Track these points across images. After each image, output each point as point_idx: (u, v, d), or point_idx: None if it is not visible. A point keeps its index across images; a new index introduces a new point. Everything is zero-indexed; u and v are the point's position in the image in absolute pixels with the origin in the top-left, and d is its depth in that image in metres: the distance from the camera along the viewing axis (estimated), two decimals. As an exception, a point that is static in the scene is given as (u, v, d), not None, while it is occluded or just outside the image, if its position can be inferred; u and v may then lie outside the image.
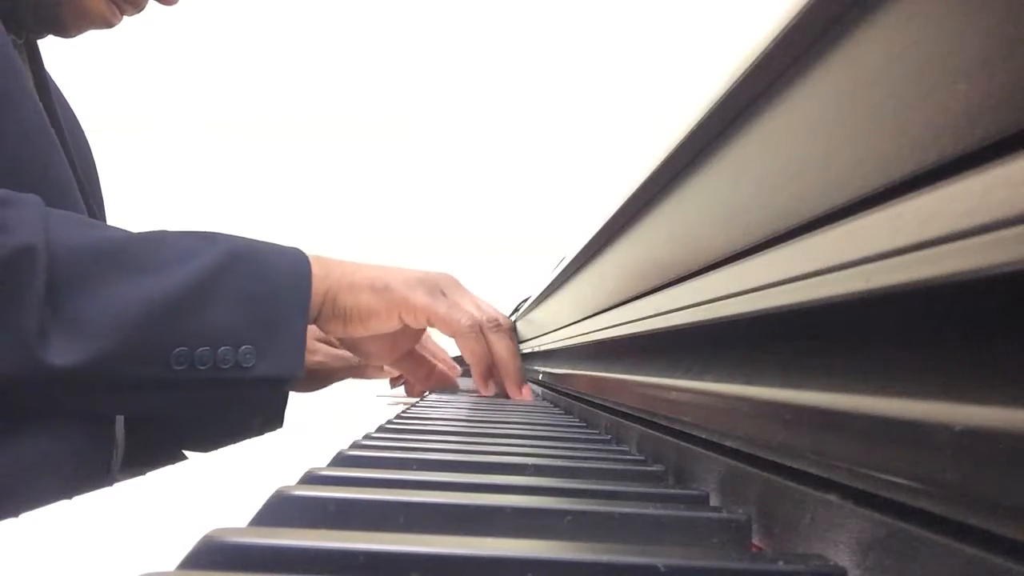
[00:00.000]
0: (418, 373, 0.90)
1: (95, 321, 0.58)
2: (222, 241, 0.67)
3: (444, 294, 0.78)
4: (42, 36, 0.78)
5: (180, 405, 0.68)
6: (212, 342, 0.63)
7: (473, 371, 0.82)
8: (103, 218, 0.87)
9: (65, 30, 0.77)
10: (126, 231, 0.65)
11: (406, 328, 0.78)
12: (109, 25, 0.79)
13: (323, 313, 0.74)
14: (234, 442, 0.49)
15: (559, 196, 1.80)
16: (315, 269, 0.72)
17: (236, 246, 0.67)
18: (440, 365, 0.91)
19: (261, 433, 0.60)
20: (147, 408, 0.67)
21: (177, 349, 0.61)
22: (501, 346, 0.81)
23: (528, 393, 0.84)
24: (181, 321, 0.62)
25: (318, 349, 0.97)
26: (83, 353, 0.56)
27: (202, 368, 0.62)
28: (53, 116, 0.74)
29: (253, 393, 0.66)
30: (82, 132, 0.86)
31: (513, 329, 0.88)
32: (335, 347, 0.97)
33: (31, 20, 0.74)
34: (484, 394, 0.82)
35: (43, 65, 0.78)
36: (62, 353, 0.56)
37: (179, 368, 0.61)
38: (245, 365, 0.64)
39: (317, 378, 0.98)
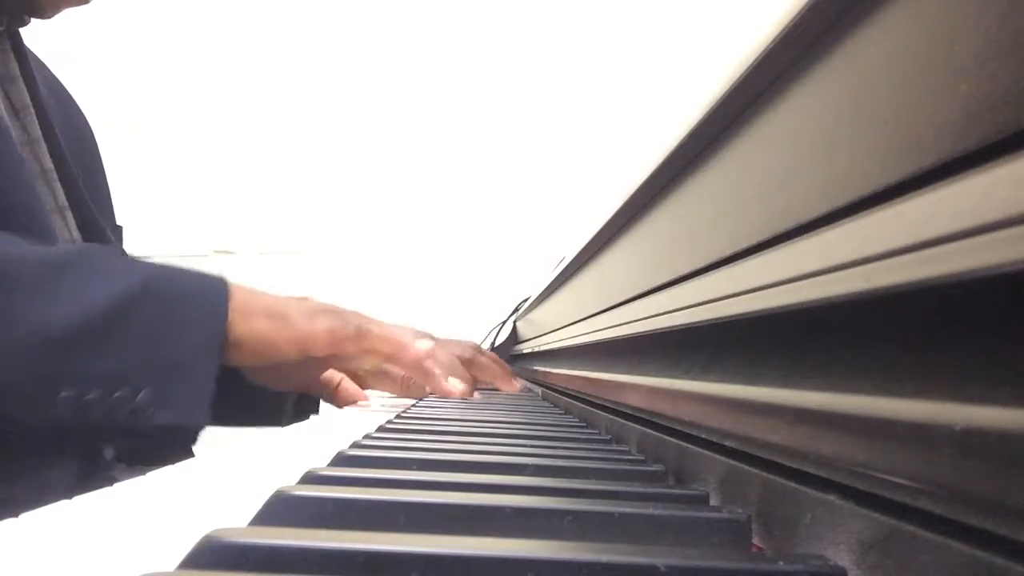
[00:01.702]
0: (392, 388, 0.86)
1: None
2: (137, 272, 0.61)
3: (352, 319, 0.71)
4: (23, 22, 0.75)
5: (98, 439, 0.63)
6: (105, 385, 0.56)
7: (428, 383, 0.76)
8: (108, 210, 0.84)
9: (42, 10, 0.74)
10: (29, 248, 0.59)
11: (309, 359, 0.70)
12: (84, 1, 0.75)
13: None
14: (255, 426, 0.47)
15: (559, 196, 1.80)
16: (231, 300, 0.65)
17: (145, 277, 0.60)
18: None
19: (293, 421, 0.57)
20: (64, 441, 0.61)
21: (63, 392, 0.55)
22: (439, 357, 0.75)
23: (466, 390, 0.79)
24: (69, 362, 0.55)
25: None
26: None
27: (94, 414, 0.56)
28: (39, 109, 0.72)
29: (160, 434, 0.60)
30: (85, 122, 0.84)
31: (513, 328, 0.87)
32: None
33: (7, 2, 0.71)
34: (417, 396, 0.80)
35: (26, 51, 0.75)
36: None
37: (67, 412, 0.55)
38: (143, 412, 0.57)
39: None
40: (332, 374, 0.82)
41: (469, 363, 0.80)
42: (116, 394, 0.57)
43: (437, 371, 0.74)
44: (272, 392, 0.77)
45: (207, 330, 0.62)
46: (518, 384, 0.85)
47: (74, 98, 0.85)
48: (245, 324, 0.65)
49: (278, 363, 0.69)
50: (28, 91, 0.72)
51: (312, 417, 0.81)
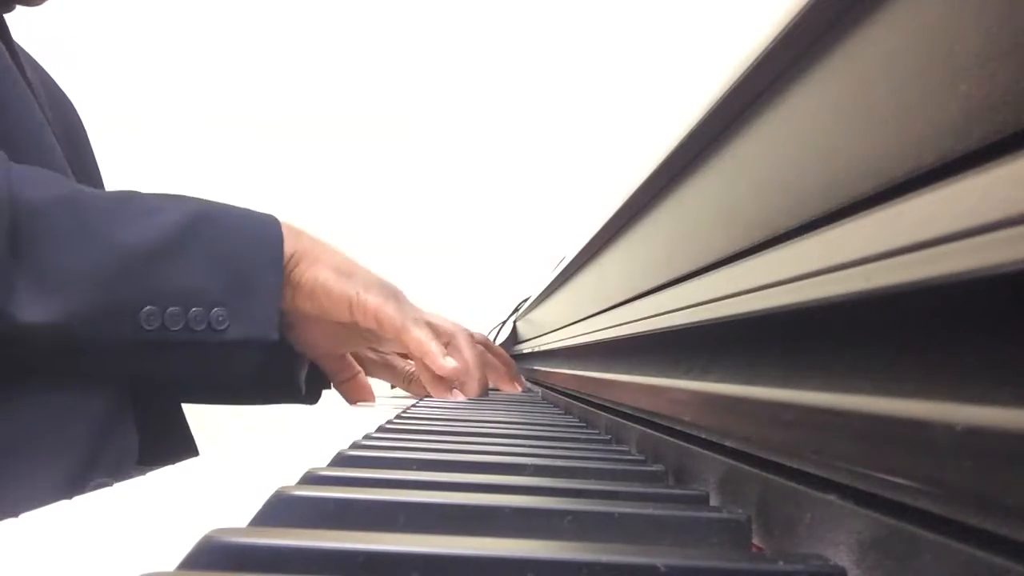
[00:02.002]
0: (394, 380, 0.87)
1: (63, 278, 0.55)
2: (191, 202, 0.65)
3: (400, 300, 0.75)
4: (7, 7, 0.75)
5: (157, 367, 0.66)
6: (183, 302, 0.60)
7: (419, 368, 0.77)
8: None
9: None
10: (94, 189, 0.63)
11: (353, 326, 0.74)
12: None
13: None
14: (266, 403, 0.48)
15: (559, 196, 1.80)
16: (285, 232, 0.69)
17: (205, 207, 0.65)
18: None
19: (295, 401, 0.58)
20: (125, 369, 0.64)
21: (147, 308, 0.59)
22: (471, 352, 0.78)
23: (470, 389, 0.80)
24: (151, 279, 0.59)
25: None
26: (51, 310, 0.54)
27: (174, 329, 0.60)
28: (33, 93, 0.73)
29: (227, 356, 0.64)
30: (77, 118, 0.84)
31: (513, 328, 0.87)
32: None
33: None
34: (438, 395, 0.78)
35: (12, 42, 0.75)
36: (30, 309, 0.54)
37: (150, 329, 0.59)
38: (217, 328, 0.61)
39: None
40: (352, 363, 0.84)
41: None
42: (193, 309, 0.60)
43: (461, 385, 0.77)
44: (285, 362, 0.78)
45: (267, 250, 0.66)
46: (520, 386, 0.84)
47: (66, 94, 0.84)
48: (311, 270, 0.69)
49: (324, 319, 0.72)
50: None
51: (312, 417, 0.81)
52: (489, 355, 0.88)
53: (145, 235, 0.59)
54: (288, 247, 0.69)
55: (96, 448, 0.60)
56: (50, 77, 0.82)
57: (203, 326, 0.61)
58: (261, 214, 0.69)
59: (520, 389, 0.84)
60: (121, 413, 0.64)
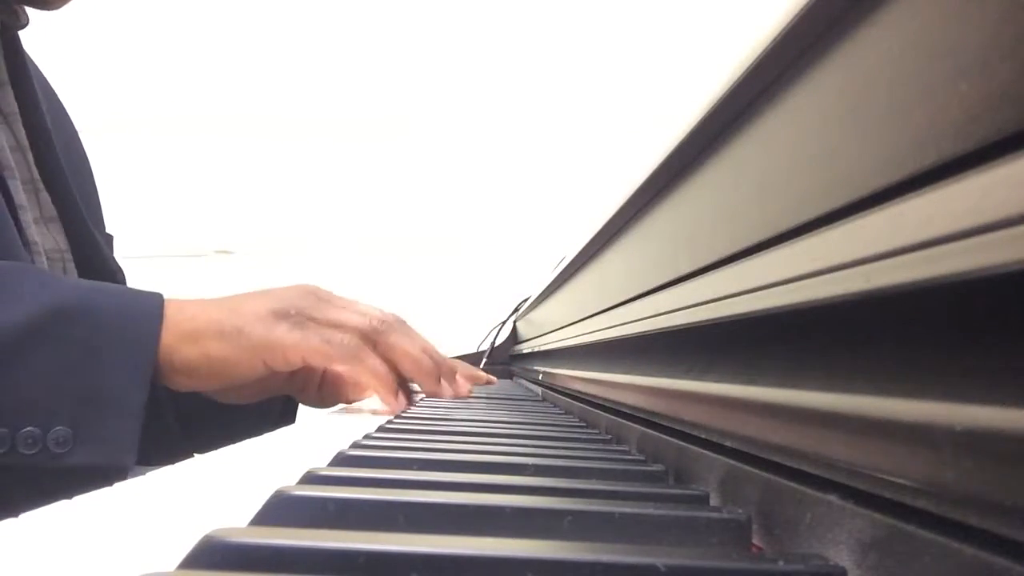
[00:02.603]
0: (308, 390, 0.75)
1: None
2: (59, 293, 0.54)
3: (311, 316, 0.62)
4: (19, 23, 0.70)
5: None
6: (12, 420, 0.50)
7: (378, 391, 0.65)
8: (98, 218, 0.82)
9: (46, 1, 0.69)
10: None
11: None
12: None
13: (160, 367, 0.58)
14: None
15: (559, 196, 1.80)
16: (165, 319, 0.57)
17: (67, 298, 0.54)
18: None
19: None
20: None
21: None
22: (402, 344, 0.64)
23: (462, 386, 0.70)
24: None
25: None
26: None
27: None
28: (36, 111, 0.70)
29: (75, 480, 0.53)
30: (73, 129, 0.82)
31: (513, 328, 0.84)
32: None
33: None
34: (396, 410, 0.64)
35: (24, 56, 0.72)
36: None
37: None
38: (56, 450, 0.51)
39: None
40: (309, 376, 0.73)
41: (386, 333, 0.65)
42: (24, 429, 0.51)
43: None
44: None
45: (135, 356, 0.55)
46: (464, 386, 0.71)
47: (63, 104, 0.82)
48: (195, 348, 0.58)
49: (243, 382, 0.62)
50: (22, 95, 0.70)
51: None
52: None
53: None
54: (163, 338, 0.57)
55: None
56: (49, 86, 0.81)
57: (35, 449, 0.50)
58: (143, 303, 0.57)
59: (465, 392, 0.70)
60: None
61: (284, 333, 0.60)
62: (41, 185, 0.70)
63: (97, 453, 0.52)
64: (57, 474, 0.52)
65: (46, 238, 0.70)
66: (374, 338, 0.63)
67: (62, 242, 0.71)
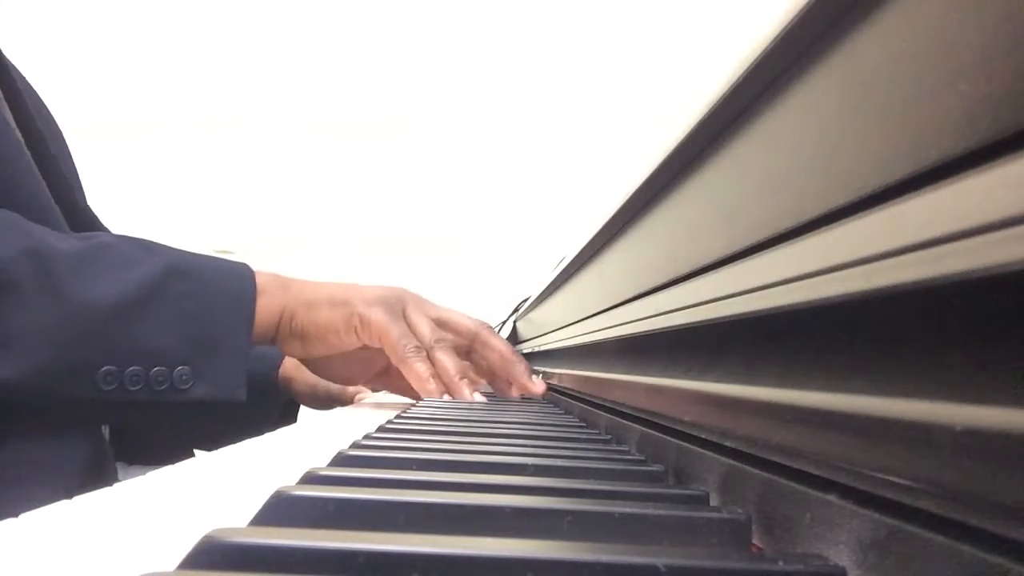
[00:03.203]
0: (398, 388, 0.83)
1: (20, 336, 0.54)
2: (164, 256, 0.63)
3: (405, 313, 0.72)
4: None
5: (124, 420, 0.65)
6: (144, 361, 0.59)
7: (420, 392, 0.73)
8: (82, 197, 0.82)
9: None
10: (62, 236, 0.61)
11: (371, 348, 0.72)
12: None
13: (280, 332, 0.70)
14: (245, 439, 0.48)
15: (559, 196, 1.80)
16: (270, 286, 0.68)
17: (175, 260, 0.63)
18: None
19: (273, 429, 0.58)
20: (89, 422, 0.63)
21: (105, 368, 0.57)
22: (445, 363, 0.72)
23: (478, 396, 0.75)
24: (111, 338, 0.58)
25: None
26: (11, 369, 0.54)
27: (133, 389, 0.58)
28: (22, 109, 0.72)
29: (194, 413, 0.62)
30: (48, 111, 0.83)
31: (513, 328, 0.84)
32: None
33: None
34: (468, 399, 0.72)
35: (2, 58, 0.75)
36: None
37: (108, 388, 0.57)
38: (181, 387, 0.60)
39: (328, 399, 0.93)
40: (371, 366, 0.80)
41: (438, 350, 0.74)
42: (155, 368, 0.59)
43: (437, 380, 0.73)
44: (259, 404, 0.78)
45: (239, 306, 0.65)
46: (537, 385, 0.77)
47: (48, 109, 0.83)
48: (308, 315, 0.69)
49: (344, 352, 0.72)
50: (6, 90, 0.71)
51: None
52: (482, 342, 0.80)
53: (110, 292, 0.58)
54: (276, 303, 0.69)
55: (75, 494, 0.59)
56: (27, 82, 0.81)
57: (165, 386, 0.59)
58: (234, 268, 0.68)
59: (468, 397, 0.74)
60: (100, 459, 0.63)
61: (378, 314, 0.70)
62: (34, 165, 0.70)
63: (213, 388, 0.61)
64: (186, 409, 0.61)
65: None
66: (427, 351, 0.72)
67: (58, 214, 0.72)
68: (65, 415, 0.59)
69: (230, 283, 0.66)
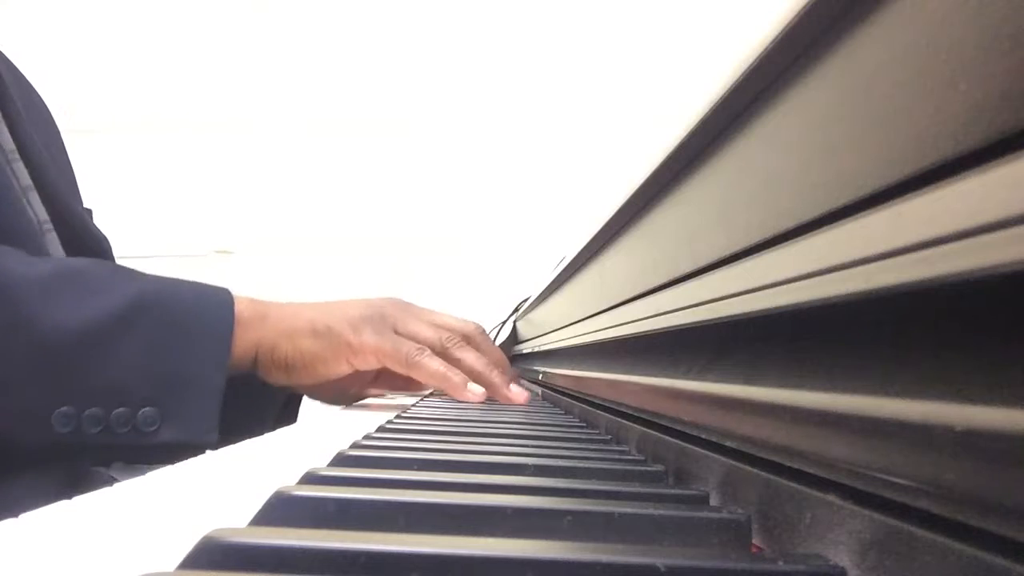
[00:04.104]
0: (396, 385, 0.83)
1: None
2: (139, 282, 0.59)
3: (394, 325, 0.69)
4: None
5: (89, 461, 0.59)
6: (105, 401, 0.54)
7: (447, 391, 0.72)
8: (75, 192, 0.80)
9: None
10: (27, 261, 0.57)
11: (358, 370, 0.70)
12: None
13: (260, 362, 0.66)
14: (244, 439, 0.47)
15: (559, 196, 1.80)
16: (247, 315, 0.64)
17: (148, 288, 0.58)
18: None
19: (273, 430, 0.55)
20: (51, 464, 0.57)
21: (61, 409, 0.52)
22: (468, 359, 0.71)
23: (521, 394, 0.75)
24: (68, 374, 0.53)
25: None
26: None
27: (92, 432, 0.53)
28: (2, 99, 0.69)
29: (159, 456, 0.56)
30: (43, 104, 0.80)
31: (513, 328, 0.84)
32: None
33: None
34: (473, 400, 0.72)
35: None
36: None
37: (63, 431, 0.53)
38: (145, 429, 0.55)
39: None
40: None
41: (455, 348, 0.72)
42: (118, 410, 0.54)
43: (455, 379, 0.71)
44: (255, 404, 0.75)
45: (214, 342, 0.60)
46: (521, 394, 0.75)
47: (42, 100, 0.81)
48: (291, 345, 0.65)
49: (332, 377, 0.69)
50: None
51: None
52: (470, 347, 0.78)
53: (71, 326, 0.53)
54: (253, 334, 0.64)
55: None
56: (26, 81, 0.80)
57: (127, 428, 0.54)
58: (215, 295, 0.63)
59: (522, 399, 0.74)
60: (76, 473, 0.61)
61: (367, 337, 0.67)
62: (16, 156, 0.68)
63: (182, 431, 0.56)
64: (147, 452, 0.56)
65: (25, 209, 0.69)
66: (441, 351, 0.70)
67: (42, 213, 0.70)
68: (20, 458, 0.54)
69: (206, 315, 0.61)
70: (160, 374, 0.56)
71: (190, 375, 0.58)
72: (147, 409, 0.55)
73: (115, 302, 0.56)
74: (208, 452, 0.43)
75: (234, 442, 0.43)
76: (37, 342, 0.53)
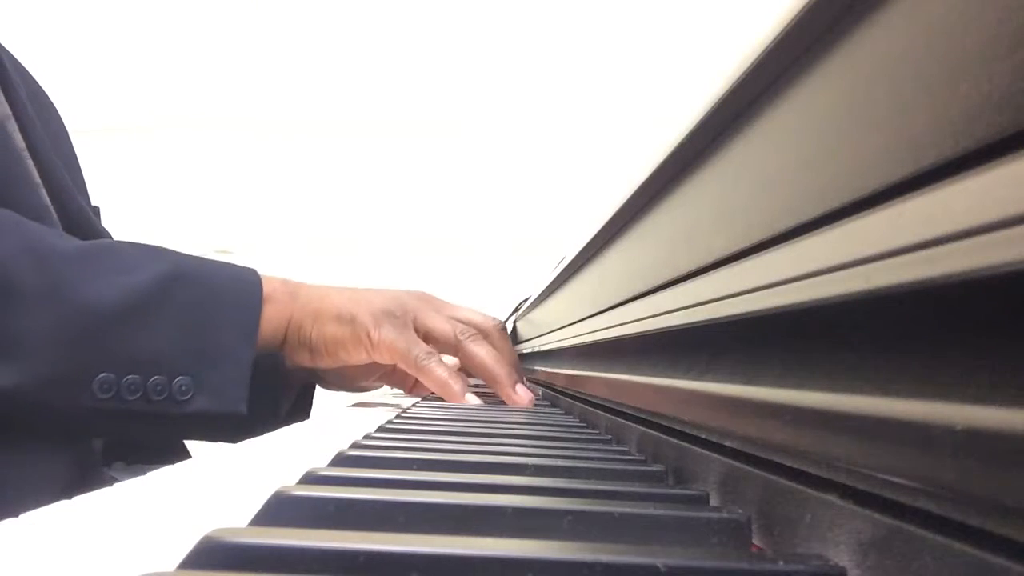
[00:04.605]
0: (405, 385, 0.85)
1: (18, 341, 0.53)
2: (168, 259, 0.61)
3: (414, 319, 0.71)
4: None
5: (119, 431, 0.62)
6: (143, 370, 0.56)
7: (445, 397, 0.73)
8: (83, 189, 0.81)
9: None
10: (63, 236, 0.60)
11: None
12: None
13: (288, 341, 0.68)
14: (258, 435, 0.48)
15: (559, 196, 1.80)
16: (278, 293, 0.67)
17: (180, 265, 0.61)
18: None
19: (286, 423, 0.57)
20: (83, 432, 0.60)
21: (102, 375, 0.55)
22: (480, 353, 0.73)
23: (525, 396, 0.75)
24: (110, 344, 0.55)
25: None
26: (9, 377, 0.52)
27: (130, 398, 0.56)
28: (9, 80, 0.70)
29: (192, 426, 0.59)
30: (49, 101, 0.81)
31: (513, 328, 0.84)
32: None
33: None
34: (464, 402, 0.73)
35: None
36: None
37: (104, 397, 0.55)
38: (180, 398, 0.57)
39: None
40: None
41: (470, 341, 0.74)
42: (154, 378, 0.57)
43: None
44: (273, 387, 0.77)
45: (244, 316, 0.63)
46: (526, 395, 0.75)
47: (49, 98, 0.82)
48: (316, 327, 0.68)
49: (351, 363, 0.71)
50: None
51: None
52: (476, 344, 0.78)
53: (111, 295, 0.56)
54: (284, 312, 0.67)
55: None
56: (34, 81, 0.80)
57: (163, 396, 0.57)
58: (242, 274, 0.66)
59: (526, 401, 0.74)
60: (87, 466, 0.62)
61: (385, 333, 0.69)
62: (27, 154, 0.70)
63: (214, 401, 0.59)
64: (178, 424, 0.58)
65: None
66: (455, 344, 0.72)
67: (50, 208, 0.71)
68: (58, 425, 0.57)
69: (236, 290, 0.64)
70: (193, 346, 0.59)
71: (221, 347, 0.60)
72: (182, 378, 0.58)
73: (151, 276, 0.58)
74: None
75: (250, 428, 0.44)
76: (79, 311, 0.55)
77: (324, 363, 0.70)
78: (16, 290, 0.54)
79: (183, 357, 0.58)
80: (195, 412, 0.58)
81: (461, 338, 0.73)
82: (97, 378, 0.55)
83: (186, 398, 0.58)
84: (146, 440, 0.72)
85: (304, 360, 0.69)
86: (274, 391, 0.75)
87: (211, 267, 0.64)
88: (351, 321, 0.68)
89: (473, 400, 0.71)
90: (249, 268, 0.67)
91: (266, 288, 0.66)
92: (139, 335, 0.57)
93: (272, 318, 0.66)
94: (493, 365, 0.73)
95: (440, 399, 0.75)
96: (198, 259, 0.65)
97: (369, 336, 0.68)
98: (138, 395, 0.56)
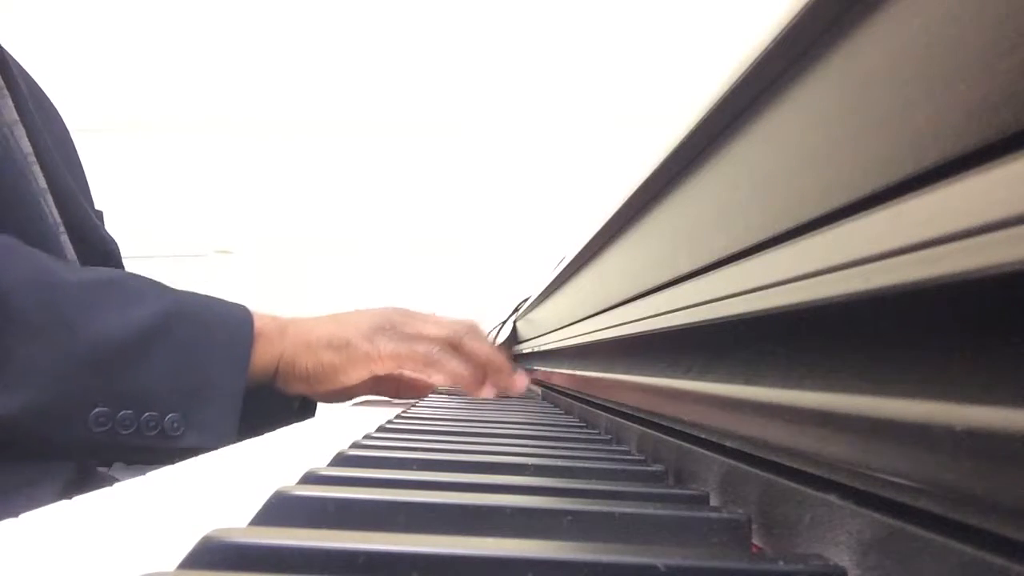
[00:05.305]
0: (390, 391, 0.86)
1: (20, 371, 0.54)
2: (169, 295, 0.63)
3: (403, 330, 0.73)
4: None
5: (110, 457, 0.64)
6: (137, 405, 0.58)
7: (465, 386, 0.75)
8: (87, 194, 0.82)
9: None
10: (67, 267, 0.60)
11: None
12: None
13: (281, 374, 0.70)
14: (263, 433, 0.49)
15: (559, 196, 1.80)
16: (268, 330, 0.68)
17: (177, 301, 0.63)
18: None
19: (293, 422, 0.58)
20: (74, 458, 0.61)
21: (97, 409, 0.56)
22: (483, 349, 0.76)
23: (522, 378, 0.79)
24: (108, 379, 0.57)
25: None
26: (8, 405, 0.53)
27: (124, 433, 0.57)
28: (17, 87, 0.71)
29: (181, 458, 0.61)
30: (52, 107, 0.82)
31: (513, 328, 0.85)
32: None
33: None
34: (487, 396, 0.76)
35: (4, 54, 0.74)
36: None
37: (98, 430, 0.57)
38: (172, 434, 0.59)
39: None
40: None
41: (470, 338, 0.76)
42: (147, 414, 0.58)
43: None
44: (275, 409, 0.78)
45: (234, 353, 0.64)
46: (523, 380, 0.79)
47: (53, 104, 0.83)
48: (311, 358, 0.69)
49: (350, 385, 0.73)
50: (3, 71, 0.70)
51: (312, 417, 0.81)
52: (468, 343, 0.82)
53: (113, 331, 0.57)
54: (274, 348, 0.68)
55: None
56: (37, 86, 0.81)
57: (155, 432, 0.59)
58: (235, 312, 0.67)
59: (523, 386, 0.79)
60: (94, 465, 0.64)
61: (383, 345, 0.71)
62: (34, 159, 0.70)
63: (203, 438, 0.60)
64: (168, 457, 0.59)
65: (43, 211, 0.70)
66: (456, 344, 0.73)
67: (56, 216, 0.72)
68: (52, 453, 0.58)
69: (228, 328, 0.65)
70: (187, 383, 0.60)
71: (213, 384, 0.62)
72: (173, 415, 0.59)
73: (151, 313, 0.60)
74: (208, 452, 0.43)
75: (250, 436, 0.44)
76: (81, 344, 0.56)
77: (322, 389, 0.72)
78: (20, 321, 0.54)
79: (176, 394, 0.60)
80: (185, 448, 0.59)
81: (462, 336, 0.74)
82: (93, 412, 0.56)
83: (177, 434, 0.59)
84: (140, 463, 0.73)
85: (300, 389, 0.71)
86: (278, 408, 0.77)
87: (204, 303, 0.65)
88: (345, 346, 0.70)
89: (488, 392, 0.74)
90: (240, 304, 0.69)
91: (257, 325, 0.68)
92: (137, 371, 0.58)
93: (263, 354, 0.68)
94: (496, 355, 0.76)
95: (438, 400, 0.75)
96: (193, 295, 0.66)
97: (367, 354, 0.70)
98: (131, 430, 0.58)
